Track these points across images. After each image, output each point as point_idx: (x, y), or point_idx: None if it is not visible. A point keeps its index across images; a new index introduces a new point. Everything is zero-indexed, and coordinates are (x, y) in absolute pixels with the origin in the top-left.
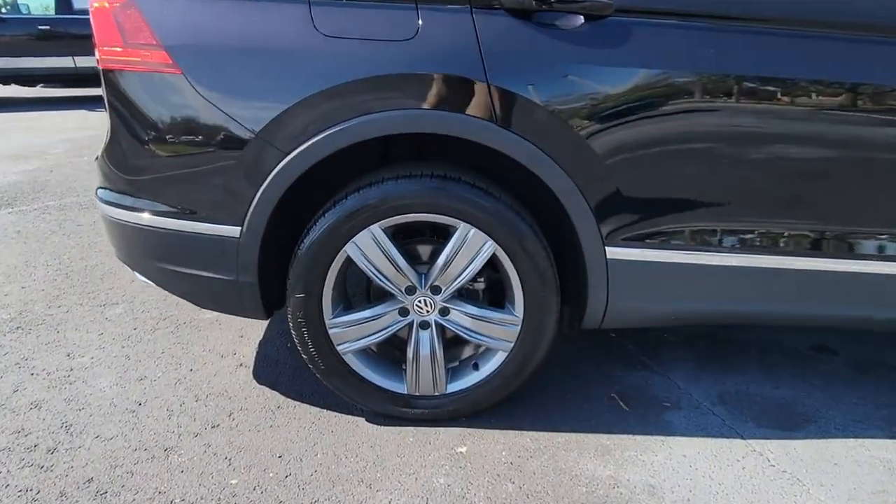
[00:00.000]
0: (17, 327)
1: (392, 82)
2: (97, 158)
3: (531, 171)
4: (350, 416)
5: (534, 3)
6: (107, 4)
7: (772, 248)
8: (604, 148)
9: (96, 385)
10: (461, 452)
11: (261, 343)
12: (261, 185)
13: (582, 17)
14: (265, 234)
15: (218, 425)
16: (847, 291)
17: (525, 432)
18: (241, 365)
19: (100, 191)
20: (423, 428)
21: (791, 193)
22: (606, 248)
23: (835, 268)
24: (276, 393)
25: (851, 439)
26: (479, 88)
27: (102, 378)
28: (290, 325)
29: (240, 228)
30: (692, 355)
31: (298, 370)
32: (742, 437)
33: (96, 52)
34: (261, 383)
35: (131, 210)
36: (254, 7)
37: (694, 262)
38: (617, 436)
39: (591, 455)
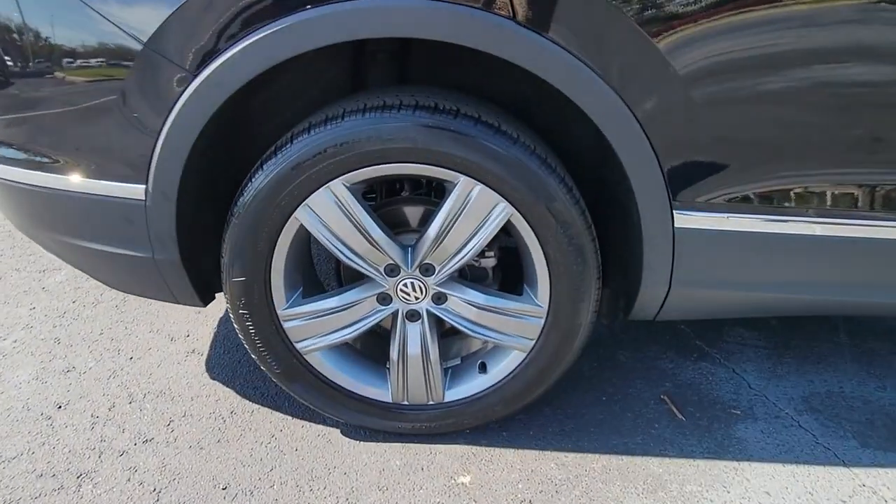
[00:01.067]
0: None
1: None
2: None
3: (565, 98)
4: (321, 427)
5: None
6: None
7: None
8: (685, 72)
9: (12, 379)
10: (463, 483)
11: (221, 321)
12: (163, 125)
13: None
14: (181, 194)
15: (151, 439)
16: None
17: (548, 454)
18: (192, 351)
19: None
20: (413, 446)
21: None
22: (675, 212)
23: None
24: (230, 392)
25: None
26: None
27: (22, 369)
28: (231, 316)
29: (143, 187)
30: (763, 341)
31: None
32: (845, 465)
33: None
34: (213, 378)
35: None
36: None
37: (803, 232)
38: (672, 460)
39: (640, 491)
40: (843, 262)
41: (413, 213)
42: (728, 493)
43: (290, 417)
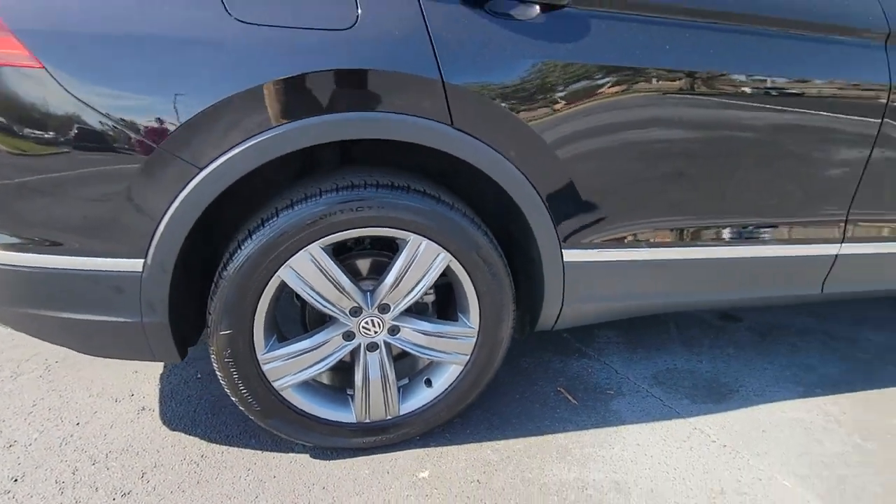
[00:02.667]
0: None
1: (331, 79)
2: None
3: (483, 176)
4: (291, 455)
5: None
6: None
7: (717, 241)
8: (565, 151)
9: None
10: (424, 478)
11: (163, 377)
12: (167, 210)
13: (538, 6)
14: (177, 266)
15: (129, 492)
16: (770, 274)
17: (485, 444)
18: (143, 409)
19: None
20: (377, 456)
21: (742, 188)
22: (563, 251)
23: (769, 254)
24: (195, 439)
25: (769, 404)
26: (433, 86)
27: None
28: (216, 365)
29: (142, 261)
30: (622, 337)
31: (219, 406)
32: (682, 416)
33: None
34: (174, 429)
35: None
36: None
37: (658, 258)
38: (573, 433)
39: (554, 458)
40: (673, 277)
41: (364, 263)
42: (612, 449)
43: (259, 451)
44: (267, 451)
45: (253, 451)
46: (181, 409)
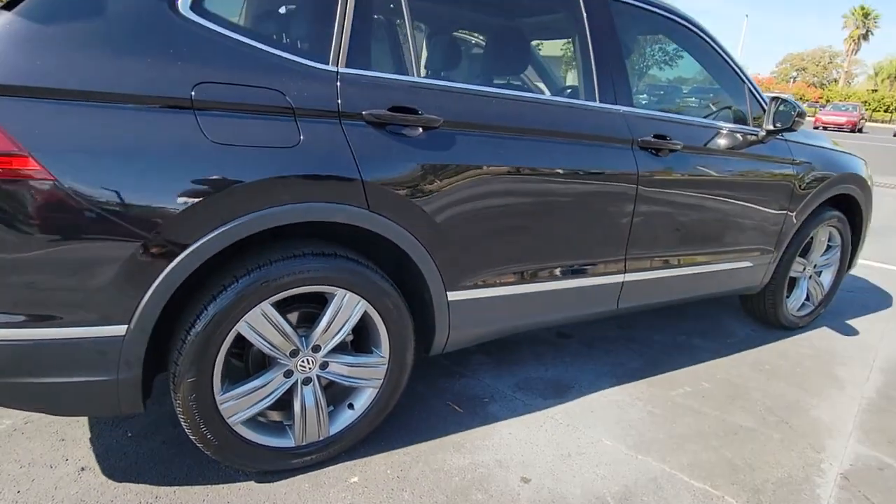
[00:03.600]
0: None
1: (285, 182)
2: None
3: (386, 241)
4: (239, 483)
5: (385, 117)
6: None
7: (550, 277)
8: (445, 222)
9: None
10: (354, 482)
11: (93, 440)
12: (152, 283)
13: (420, 128)
14: (155, 328)
15: None
16: (585, 298)
17: (398, 449)
18: (83, 469)
19: None
20: (312, 472)
21: (558, 242)
22: (448, 292)
23: (582, 284)
24: (143, 485)
25: (595, 393)
26: (355, 183)
27: None
28: (180, 410)
29: (126, 326)
30: (489, 358)
31: (156, 453)
32: (538, 410)
33: None
34: (120, 481)
35: None
36: (137, 116)
37: (511, 293)
38: (463, 433)
39: (452, 452)
40: (522, 306)
41: (296, 315)
42: (493, 439)
43: (209, 485)
44: (215, 483)
45: (203, 487)
46: (122, 464)
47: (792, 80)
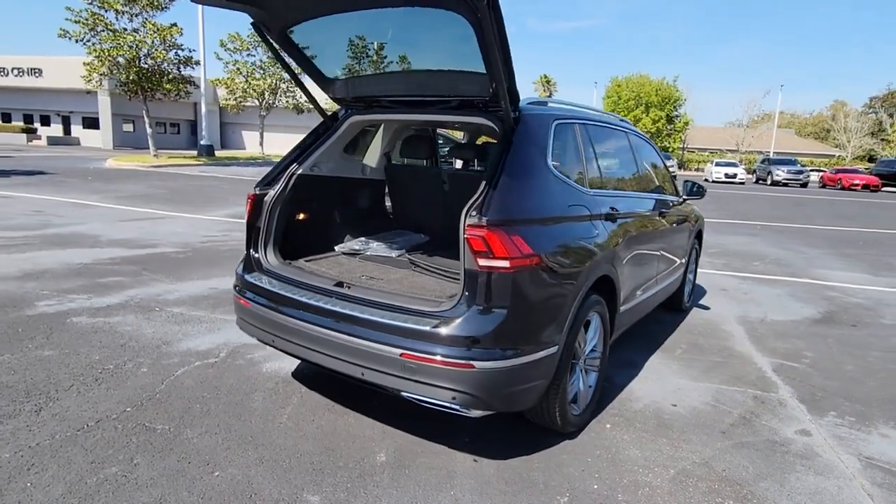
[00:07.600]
0: None
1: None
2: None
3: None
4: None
5: (611, 216)
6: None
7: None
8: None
9: None
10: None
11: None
12: (571, 308)
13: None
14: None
15: None
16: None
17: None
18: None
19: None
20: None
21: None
22: (620, 307)
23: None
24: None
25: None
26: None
27: None
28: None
29: (557, 347)
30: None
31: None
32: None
33: (496, 261)
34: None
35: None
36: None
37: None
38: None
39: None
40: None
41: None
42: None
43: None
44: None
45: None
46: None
47: None
